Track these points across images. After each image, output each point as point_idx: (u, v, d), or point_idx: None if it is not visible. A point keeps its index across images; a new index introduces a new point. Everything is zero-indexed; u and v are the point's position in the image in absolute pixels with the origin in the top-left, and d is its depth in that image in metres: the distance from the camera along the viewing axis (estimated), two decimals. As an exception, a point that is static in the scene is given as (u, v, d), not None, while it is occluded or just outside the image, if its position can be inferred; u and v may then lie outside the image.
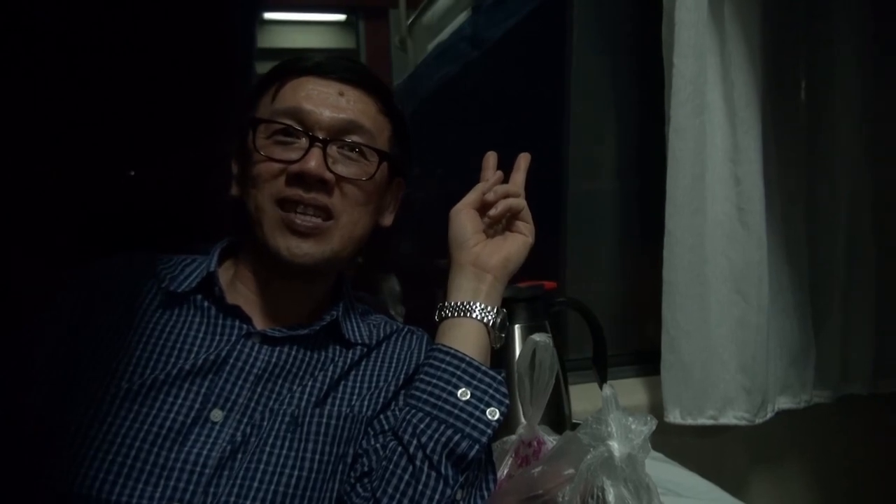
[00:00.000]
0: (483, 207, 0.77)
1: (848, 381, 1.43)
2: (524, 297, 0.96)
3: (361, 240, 0.75)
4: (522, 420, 0.72)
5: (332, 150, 0.71)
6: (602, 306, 1.39)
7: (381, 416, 0.72)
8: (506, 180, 0.79)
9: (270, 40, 1.42)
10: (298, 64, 0.74)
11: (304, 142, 0.70)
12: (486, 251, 0.75)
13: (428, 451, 0.64)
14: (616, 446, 0.56)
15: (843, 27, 1.35)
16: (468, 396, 0.67)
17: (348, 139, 0.72)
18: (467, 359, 0.70)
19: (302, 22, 1.54)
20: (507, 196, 0.77)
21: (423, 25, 1.64)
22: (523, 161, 0.80)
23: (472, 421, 0.66)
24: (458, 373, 0.68)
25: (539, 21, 1.52)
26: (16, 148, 0.94)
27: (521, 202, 0.77)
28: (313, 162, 0.68)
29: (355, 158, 0.72)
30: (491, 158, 0.81)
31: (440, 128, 1.45)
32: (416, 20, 1.64)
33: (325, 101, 0.71)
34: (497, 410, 0.67)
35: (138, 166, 1.05)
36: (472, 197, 0.77)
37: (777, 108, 1.29)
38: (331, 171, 0.69)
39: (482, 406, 0.67)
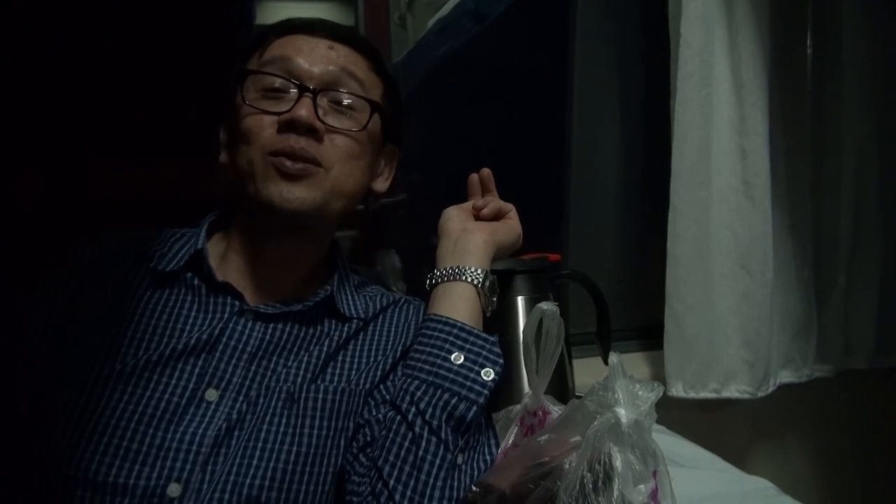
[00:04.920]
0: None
1: (850, 356, 1.44)
2: (528, 269, 0.96)
3: (354, 196, 0.74)
4: (527, 390, 0.72)
5: (323, 101, 0.70)
6: (606, 280, 1.38)
7: (381, 387, 0.72)
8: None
9: (268, 17, 1.40)
10: (286, 23, 0.73)
11: (293, 93, 0.68)
12: (472, 225, 0.78)
13: (427, 416, 0.64)
14: (623, 413, 0.56)
15: (852, -2, 1.33)
16: (462, 360, 0.67)
17: (340, 90, 0.71)
18: (459, 324, 0.70)
19: (300, -1, 1.51)
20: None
21: (422, 2, 1.61)
22: (488, 181, 0.84)
23: (468, 383, 0.66)
24: (451, 338, 0.69)
25: (542, -6, 1.49)
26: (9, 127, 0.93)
27: (509, 205, 0.81)
28: (304, 110, 0.67)
29: (346, 112, 0.71)
30: (474, 181, 0.84)
31: (441, 105, 1.43)
32: (416, -4, 1.61)
33: (315, 53, 0.70)
34: (492, 371, 0.67)
35: (134, 147, 1.03)
36: (464, 205, 0.82)
37: (785, 80, 1.28)
38: (321, 121, 0.68)
39: (476, 368, 0.67)
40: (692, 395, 1.24)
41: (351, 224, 0.77)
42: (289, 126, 0.67)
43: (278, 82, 0.69)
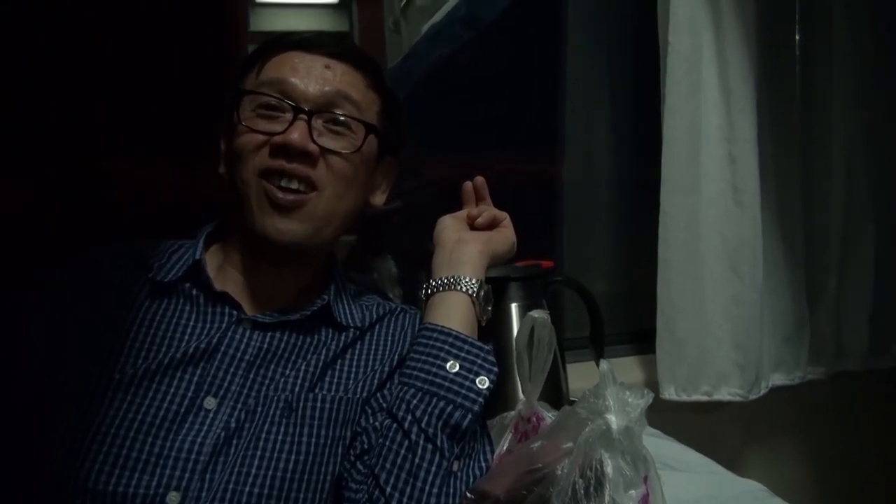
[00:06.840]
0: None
1: (841, 358, 1.44)
2: (521, 276, 0.96)
3: (347, 217, 0.74)
4: (521, 396, 0.73)
5: (318, 122, 0.70)
6: (598, 286, 1.40)
7: (378, 395, 0.73)
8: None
9: (263, 23, 1.41)
10: (284, 39, 0.73)
11: (288, 114, 0.69)
12: (467, 234, 0.78)
13: (423, 424, 0.65)
14: (613, 419, 0.56)
15: (838, 1, 1.34)
16: (457, 368, 0.68)
17: (335, 111, 0.71)
18: (454, 333, 0.70)
19: (295, 4, 1.52)
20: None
21: (416, 7, 1.62)
22: (482, 189, 0.83)
23: (463, 391, 0.67)
24: (447, 347, 0.69)
25: (534, 1, 1.51)
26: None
27: (503, 213, 0.81)
28: (296, 134, 0.68)
29: (341, 132, 0.72)
30: (468, 189, 0.84)
31: (435, 110, 1.44)
32: (409, 2, 1.62)
33: (311, 73, 0.71)
34: (486, 379, 0.68)
35: (128, 156, 1.04)
36: (458, 214, 0.82)
37: (772, 86, 1.29)
38: (315, 143, 0.69)
39: (471, 376, 0.68)
40: (684, 397, 1.25)
41: (347, 230, 0.77)
42: (282, 150, 0.68)
43: (273, 101, 0.70)
